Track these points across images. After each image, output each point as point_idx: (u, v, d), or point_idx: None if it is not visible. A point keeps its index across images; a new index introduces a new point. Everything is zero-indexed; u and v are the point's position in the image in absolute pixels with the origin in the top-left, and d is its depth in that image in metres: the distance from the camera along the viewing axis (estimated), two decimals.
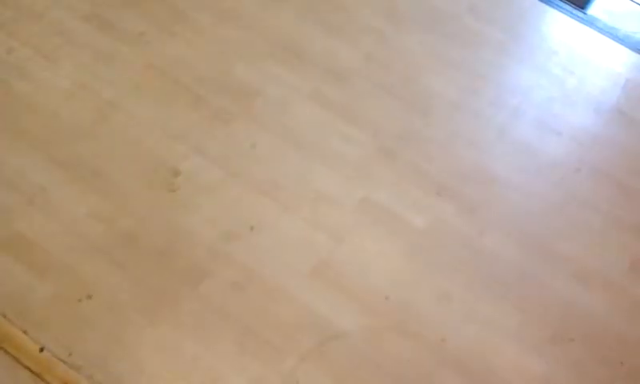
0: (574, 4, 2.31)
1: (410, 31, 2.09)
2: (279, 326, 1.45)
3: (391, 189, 1.72)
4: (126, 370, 1.35)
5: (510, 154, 1.85)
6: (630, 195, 1.83)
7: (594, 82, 2.09)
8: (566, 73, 2.09)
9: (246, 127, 1.76)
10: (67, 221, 1.52)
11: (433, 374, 1.45)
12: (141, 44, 1.88)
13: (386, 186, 1.72)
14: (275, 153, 1.73)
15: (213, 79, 1.84)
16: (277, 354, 1.42)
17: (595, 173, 1.86)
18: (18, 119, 1.68)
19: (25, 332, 1.36)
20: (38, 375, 1.32)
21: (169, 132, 1.71)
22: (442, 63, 2.03)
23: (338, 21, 2.07)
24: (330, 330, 1.46)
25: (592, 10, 2.33)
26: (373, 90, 1.91)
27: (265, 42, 1.96)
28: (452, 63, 2.03)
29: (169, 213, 1.58)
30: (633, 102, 2.06)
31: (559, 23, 2.25)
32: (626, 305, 1.62)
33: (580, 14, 2.29)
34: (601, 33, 2.25)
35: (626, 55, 2.20)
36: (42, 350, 1.35)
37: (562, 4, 2.30)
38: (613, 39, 2.24)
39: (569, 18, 2.27)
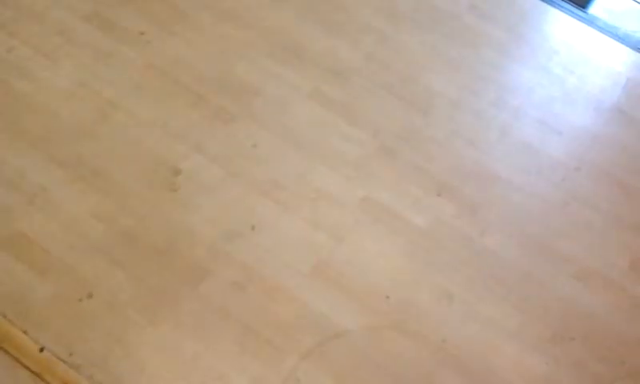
0: (574, 3, 2.31)
1: (411, 31, 2.09)
2: (279, 325, 1.45)
3: (392, 188, 1.72)
4: (126, 369, 1.35)
5: (510, 153, 1.85)
6: (631, 194, 1.83)
7: (594, 81, 2.09)
8: (566, 72, 2.09)
9: (246, 127, 1.76)
10: (67, 220, 1.52)
11: (433, 374, 1.44)
12: (141, 44, 1.88)
13: (386, 186, 1.72)
14: (275, 152, 1.73)
15: (213, 79, 1.84)
16: (277, 353, 1.42)
17: (595, 172, 1.86)
18: (18, 119, 1.68)
19: (25, 332, 1.36)
20: (37, 375, 1.32)
21: (169, 131, 1.71)
22: (443, 63, 2.03)
23: (338, 20, 2.07)
24: (330, 329, 1.46)
25: (592, 9, 2.33)
26: (373, 89, 1.91)
27: (265, 41, 1.96)
28: (452, 63, 2.03)
29: (169, 212, 1.58)
30: (633, 101, 2.06)
31: (560, 22, 2.25)
32: (626, 305, 1.62)
33: (580, 13, 2.29)
34: (601, 32, 2.25)
35: (626, 54, 2.20)
36: (41, 349, 1.35)
37: (562, 3, 2.30)
38: (613, 38, 2.24)
39: (569, 17, 2.27)
